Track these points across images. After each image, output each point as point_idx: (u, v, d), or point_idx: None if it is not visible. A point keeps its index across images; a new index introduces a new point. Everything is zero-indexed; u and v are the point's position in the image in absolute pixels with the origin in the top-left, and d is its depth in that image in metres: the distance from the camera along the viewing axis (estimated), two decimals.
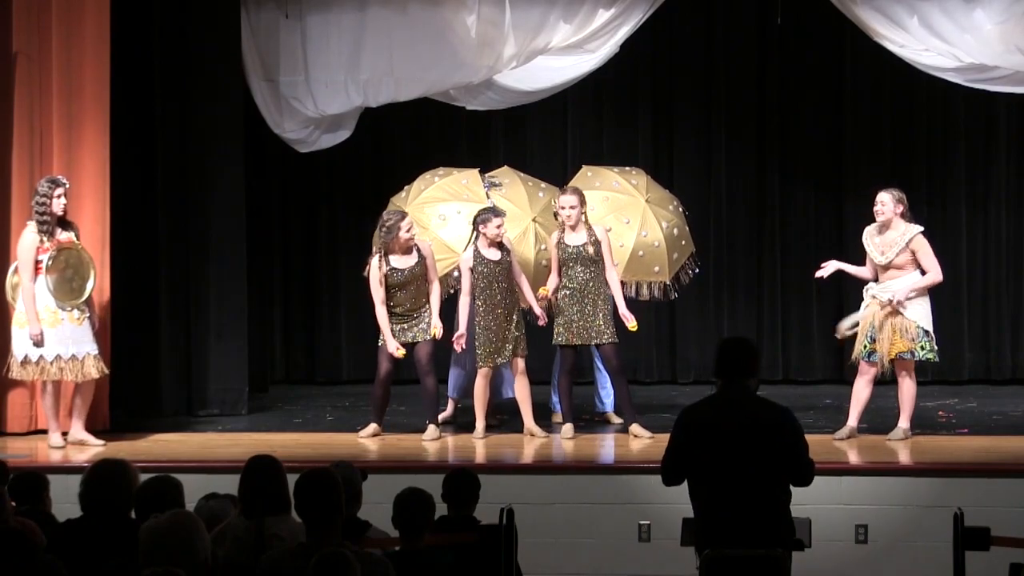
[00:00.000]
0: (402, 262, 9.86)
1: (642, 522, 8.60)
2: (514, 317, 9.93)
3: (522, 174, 10.89)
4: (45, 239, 9.56)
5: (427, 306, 9.94)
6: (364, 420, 10.66)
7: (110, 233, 10.40)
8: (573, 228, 9.83)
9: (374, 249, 10.07)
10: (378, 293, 9.87)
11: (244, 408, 11.26)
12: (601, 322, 9.85)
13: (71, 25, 10.32)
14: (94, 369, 9.65)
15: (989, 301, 13.01)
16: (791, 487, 5.99)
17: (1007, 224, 12.95)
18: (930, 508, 8.42)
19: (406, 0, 11.10)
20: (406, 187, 10.77)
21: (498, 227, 9.80)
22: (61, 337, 9.56)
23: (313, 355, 13.44)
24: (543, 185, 10.84)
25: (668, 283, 10.54)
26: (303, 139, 11.58)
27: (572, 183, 10.65)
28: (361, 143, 12.25)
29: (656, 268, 10.49)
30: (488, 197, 10.39)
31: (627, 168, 11.03)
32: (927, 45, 10.85)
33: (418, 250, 9.90)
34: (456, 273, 10.16)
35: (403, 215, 9.90)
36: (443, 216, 10.37)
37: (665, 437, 6.16)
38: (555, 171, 12.02)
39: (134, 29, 11.02)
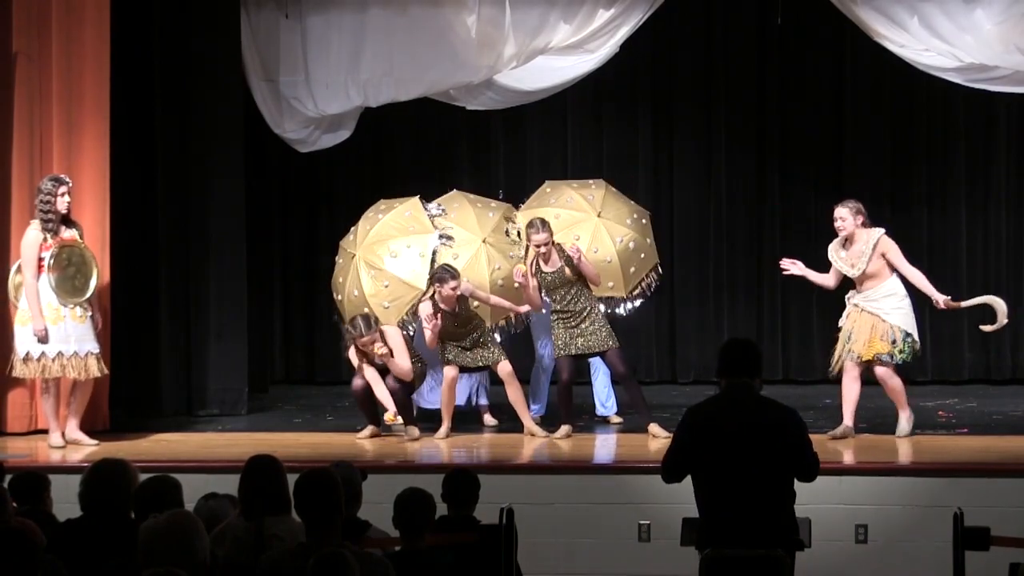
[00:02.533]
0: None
1: (642, 522, 8.60)
2: (476, 335, 9.96)
3: (471, 196, 10.86)
4: (49, 237, 9.57)
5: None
6: (364, 420, 10.67)
7: (110, 233, 10.40)
8: (546, 261, 9.86)
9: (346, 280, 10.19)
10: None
11: (244, 408, 11.26)
12: (598, 332, 9.85)
13: (71, 26, 10.32)
14: (95, 368, 9.65)
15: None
16: (795, 487, 5.99)
17: (1007, 224, 12.95)
18: (930, 508, 8.42)
19: (406, 0, 11.10)
20: (352, 228, 10.73)
21: (453, 288, 9.78)
22: (63, 335, 9.55)
23: (313, 355, 13.45)
24: (493, 204, 10.80)
25: (625, 297, 10.51)
26: (303, 139, 11.59)
27: (531, 200, 10.73)
28: (361, 143, 12.25)
29: (610, 283, 10.46)
30: (435, 226, 10.37)
31: (588, 181, 11.00)
32: (927, 45, 10.85)
33: (384, 342, 9.89)
34: (414, 313, 10.17)
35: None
36: (394, 253, 10.34)
37: None
38: (555, 171, 12.03)
39: (134, 30, 11.02)
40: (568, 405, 9.99)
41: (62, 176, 9.73)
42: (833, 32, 12.54)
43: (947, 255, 12.89)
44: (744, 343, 6.18)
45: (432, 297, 9.88)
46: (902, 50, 10.97)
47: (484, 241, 10.39)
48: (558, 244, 9.94)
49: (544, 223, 9.90)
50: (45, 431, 9.90)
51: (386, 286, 10.26)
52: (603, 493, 8.76)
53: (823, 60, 12.95)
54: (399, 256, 10.30)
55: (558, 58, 11.27)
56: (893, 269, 9.64)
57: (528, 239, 9.91)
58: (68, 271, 9.61)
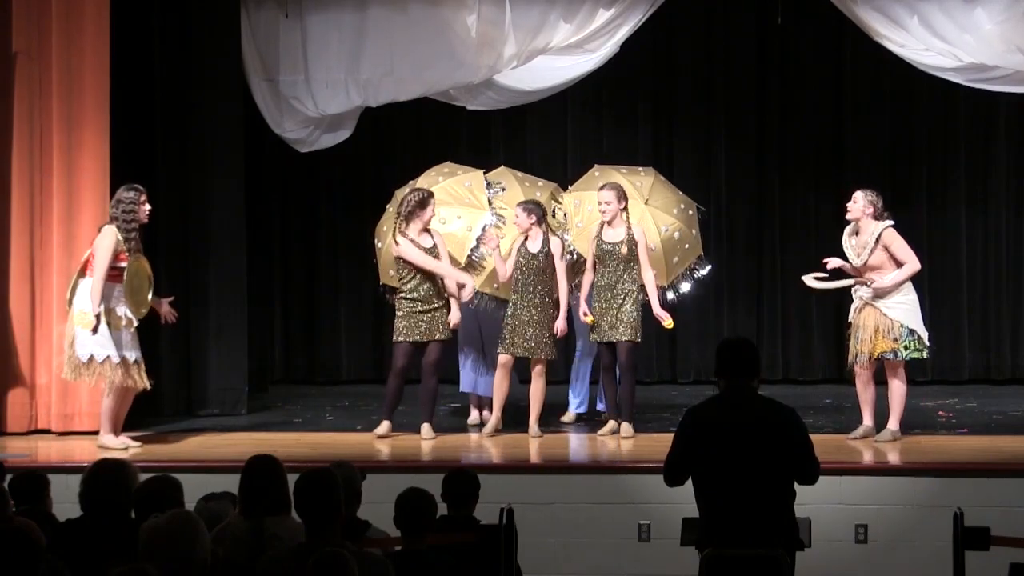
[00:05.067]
0: (422, 241, 9.91)
1: (642, 522, 8.60)
2: (544, 315, 9.93)
3: (519, 173, 10.86)
4: (127, 248, 9.42)
5: (443, 305, 9.94)
6: (364, 420, 10.69)
7: None
8: (610, 224, 9.87)
9: (391, 229, 10.12)
10: (419, 255, 9.87)
11: (244, 408, 11.26)
12: (626, 320, 9.84)
13: (71, 25, 10.32)
14: (139, 378, 9.55)
15: (989, 301, 13.01)
16: (795, 486, 5.99)
17: (1007, 224, 12.95)
18: (930, 508, 8.42)
19: (406, 0, 11.10)
20: (411, 182, 10.74)
21: (516, 216, 9.90)
22: (121, 342, 9.46)
23: (313, 355, 13.45)
24: (540, 183, 10.78)
25: (665, 287, 10.50)
26: (303, 139, 11.58)
27: (579, 182, 10.74)
28: (361, 143, 12.25)
29: (653, 271, 10.44)
30: (491, 204, 10.38)
31: (637, 168, 10.93)
32: (927, 45, 10.84)
33: (430, 235, 9.95)
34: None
35: (432, 193, 9.96)
36: (443, 219, 10.33)
37: (662, 436, 6.15)
38: (555, 171, 12.03)
39: (134, 29, 11.02)
40: (613, 394, 9.97)
41: (138, 185, 9.63)
42: (833, 32, 12.54)
43: (947, 255, 12.89)
44: (742, 343, 6.16)
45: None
46: (902, 50, 10.97)
47: None
48: (629, 224, 9.90)
49: (615, 186, 9.96)
50: (45, 431, 9.90)
51: (440, 235, 10.22)
52: (603, 493, 8.75)
53: (823, 60, 12.95)
54: (447, 223, 10.26)
55: (558, 58, 11.26)
56: (897, 265, 9.59)
57: (599, 199, 9.93)
58: (134, 283, 9.51)
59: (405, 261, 9.87)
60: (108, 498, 5.58)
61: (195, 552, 4.83)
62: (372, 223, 10.84)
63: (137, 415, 10.78)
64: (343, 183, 13.25)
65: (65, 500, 6.35)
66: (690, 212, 10.69)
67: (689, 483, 6.01)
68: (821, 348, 13.04)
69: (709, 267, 10.76)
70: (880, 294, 9.52)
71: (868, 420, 9.67)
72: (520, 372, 10.23)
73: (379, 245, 10.62)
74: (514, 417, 10.17)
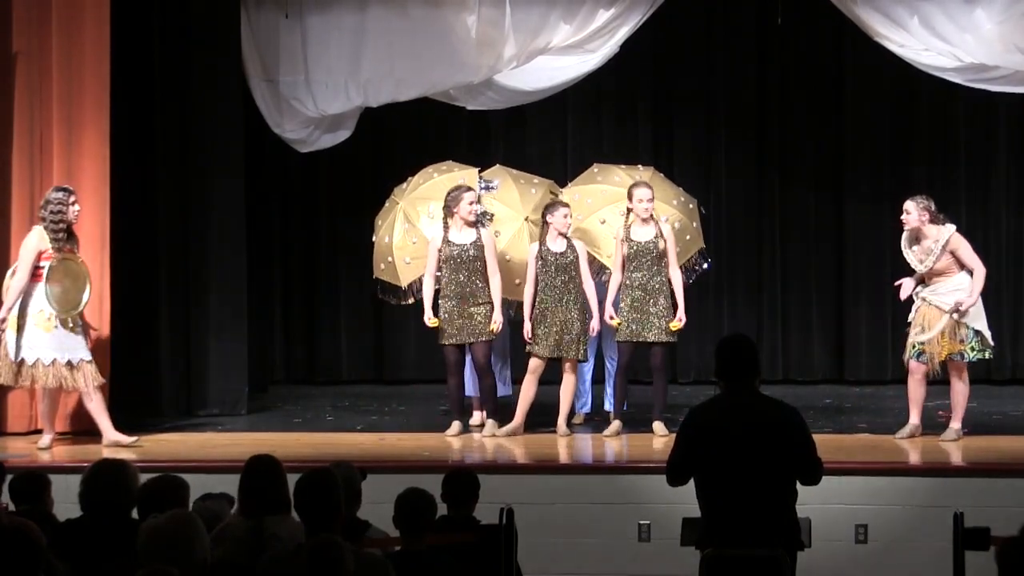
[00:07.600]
0: (460, 237, 9.89)
1: (642, 522, 8.60)
2: (575, 314, 9.93)
3: (514, 171, 10.87)
4: (52, 247, 9.48)
5: (485, 304, 9.92)
6: (364, 420, 10.68)
7: (110, 234, 10.39)
8: (645, 222, 9.87)
9: (384, 223, 10.16)
10: (431, 265, 9.94)
11: (244, 408, 11.26)
12: (657, 320, 9.85)
13: (71, 25, 10.32)
14: (83, 379, 9.49)
15: (989, 301, 12.93)
16: (798, 486, 5.98)
17: (1007, 225, 12.94)
18: (930, 508, 8.42)
19: (406, 1, 11.10)
20: (409, 178, 10.77)
21: (565, 216, 9.86)
22: (56, 342, 9.48)
23: (313, 355, 13.45)
24: (535, 180, 10.79)
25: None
26: (303, 139, 11.59)
27: (578, 179, 10.75)
28: (361, 143, 12.25)
29: None
30: (480, 201, 10.38)
31: (636, 166, 10.98)
32: (927, 45, 10.84)
33: (479, 233, 9.94)
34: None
35: (470, 188, 9.95)
36: (432, 215, 10.35)
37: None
38: (555, 171, 12.02)
39: (134, 29, 11.03)
40: (623, 396, 10.00)
41: (68, 186, 9.67)
42: (833, 32, 12.54)
43: None
44: (740, 342, 6.13)
45: (545, 235, 9.90)
46: (902, 50, 10.96)
47: (526, 219, 10.39)
48: (657, 220, 9.94)
49: (648, 184, 10.00)
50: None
51: (414, 243, 10.28)
52: (603, 493, 8.76)
53: (823, 60, 12.95)
54: (435, 219, 10.26)
55: (558, 58, 11.27)
56: (961, 267, 9.55)
57: (630, 197, 9.92)
58: (65, 283, 9.52)
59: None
60: (108, 498, 5.59)
61: (194, 552, 4.84)
62: (372, 223, 10.84)
63: (137, 415, 10.82)
64: (343, 183, 13.25)
65: (65, 500, 6.34)
66: (690, 206, 10.72)
67: (689, 482, 6.01)
68: (821, 348, 13.04)
69: (706, 265, 10.75)
70: (942, 291, 9.47)
71: (915, 419, 9.68)
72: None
73: (374, 239, 10.65)
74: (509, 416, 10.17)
